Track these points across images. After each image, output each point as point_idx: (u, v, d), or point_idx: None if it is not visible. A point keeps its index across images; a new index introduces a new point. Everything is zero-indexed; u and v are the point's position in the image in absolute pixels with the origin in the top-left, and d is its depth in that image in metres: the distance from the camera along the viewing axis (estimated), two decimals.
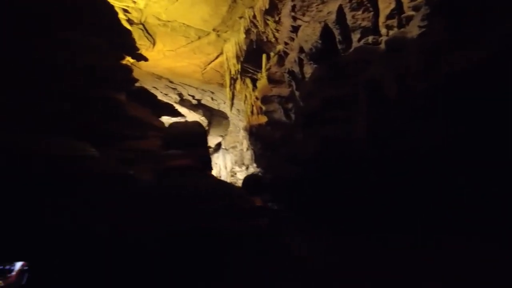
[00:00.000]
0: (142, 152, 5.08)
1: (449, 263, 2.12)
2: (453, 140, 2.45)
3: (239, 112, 10.34)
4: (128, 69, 5.09)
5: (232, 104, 7.05)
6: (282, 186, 4.75)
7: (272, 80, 5.25)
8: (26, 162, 2.14)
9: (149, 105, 5.75)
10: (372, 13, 3.39)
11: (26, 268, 1.59)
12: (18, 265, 1.61)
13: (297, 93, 4.56)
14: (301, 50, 4.06)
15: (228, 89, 6.86)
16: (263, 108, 5.82)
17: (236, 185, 12.18)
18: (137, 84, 5.74)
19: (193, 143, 3.67)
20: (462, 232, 2.39)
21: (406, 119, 2.85)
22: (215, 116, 11.41)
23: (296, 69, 4.36)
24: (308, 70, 4.14)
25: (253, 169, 10.42)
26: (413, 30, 2.75)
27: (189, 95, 8.93)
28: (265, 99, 5.55)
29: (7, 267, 1.58)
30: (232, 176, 12.54)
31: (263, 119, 6.50)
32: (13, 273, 1.58)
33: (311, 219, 3.53)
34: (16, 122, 2.43)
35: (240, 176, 11.70)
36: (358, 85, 3.26)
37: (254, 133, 7.13)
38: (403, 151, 2.63)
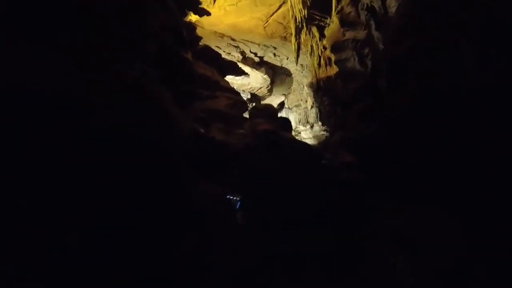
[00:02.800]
0: (212, 112, 5.20)
1: None
2: None
3: (303, 67, 9.73)
4: (192, 27, 5.05)
5: (297, 56, 6.56)
6: (355, 147, 4.33)
7: (345, 22, 4.56)
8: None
9: (214, 64, 5.74)
10: None
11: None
12: None
13: (376, 34, 3.89)
14: None
15: (293, 39, 6.35)
16: (333, 57, 5.22)
17: None
18: (201, 44, 5.72)
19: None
20: None
21: None
22: (278, 74, 11.01)
23: (377, 3, 3.65)
24: (392, 3, 3.41)
25: (318, 127, 9.99)
26: None
27: (251, 52, 8.67)
28: (336, 46, 4.93)
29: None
30: (296, 135, 12.34)
31: (332, 71, 5.90)
32: None
33: (394, 188, 3.13)
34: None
35: (304, 135, 11.41)
36: (464, 19, 2.51)
37: (322, 88, 6.60)
38: None
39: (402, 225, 2.89)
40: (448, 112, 2.57)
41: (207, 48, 5.60)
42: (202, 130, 4.67)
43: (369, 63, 4.35)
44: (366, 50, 4.35)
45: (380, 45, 3.89)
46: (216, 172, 4.65)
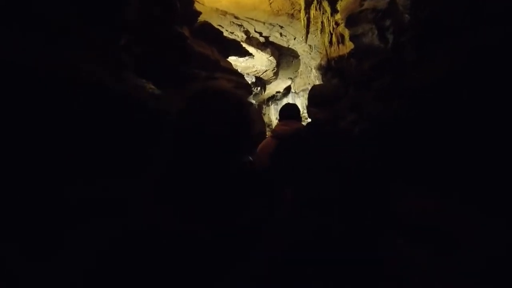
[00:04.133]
0: None
1: None
2: None
3: (311, 48, 9.09)
4: (189, 0, 4.52)
5: (307, 33, 5.96)
6: (371, 130, 3.84)
7: None
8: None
9: (214, 42, 5.22)
10: None
11: None
12: None
13: (401, 2, 3.31)
14: None
15: (302, 13, 5.74)
16: (348, 32, 4.64)
17: None
18: (200, 20, 5.19)
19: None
20: None
21: None
22: (284, 56, 10.36)
23: None
24: None
25: None
26: None
27: (255, 31, 8.05)
28: (352, 19, 4.34)
29: None
30: (302, 121, 11.80)
31: (345, 50, 5.33)
32: None
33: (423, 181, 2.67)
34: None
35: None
36: None
37: (332, 68, 6.03)
38: None
39: (426, 218, 2.50)
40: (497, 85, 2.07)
41: (206, 24, 5.07)
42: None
43: (390, 37, 3.78)
44: (388, 22, 3.77)
45: (406, 15, 3.32)
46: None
